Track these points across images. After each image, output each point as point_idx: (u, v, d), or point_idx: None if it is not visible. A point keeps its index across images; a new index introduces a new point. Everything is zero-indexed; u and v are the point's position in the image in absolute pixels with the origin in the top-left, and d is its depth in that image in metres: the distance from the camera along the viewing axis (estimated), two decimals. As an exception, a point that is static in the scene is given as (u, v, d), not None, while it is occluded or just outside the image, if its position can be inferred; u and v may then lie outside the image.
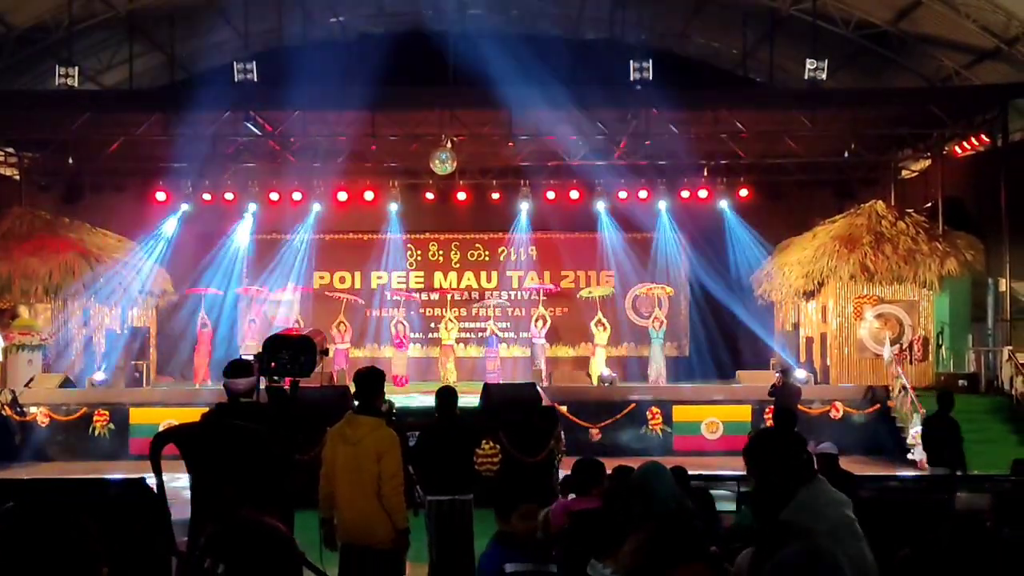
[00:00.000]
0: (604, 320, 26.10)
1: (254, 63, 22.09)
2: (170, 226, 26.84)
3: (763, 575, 3.34)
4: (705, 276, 28.42)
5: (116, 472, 14.36)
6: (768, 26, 23.89)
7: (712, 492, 7.89)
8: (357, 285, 29.36)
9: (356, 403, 7.57)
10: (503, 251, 29.59)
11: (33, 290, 22.93)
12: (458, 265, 29.66)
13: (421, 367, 28.13)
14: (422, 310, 29.26)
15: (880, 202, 24.54)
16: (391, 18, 27.46)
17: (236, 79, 21.96)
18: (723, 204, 26.65)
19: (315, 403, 13.33)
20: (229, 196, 26.69)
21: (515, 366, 27.23)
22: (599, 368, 25.07)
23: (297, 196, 26.79)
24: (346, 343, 26.30)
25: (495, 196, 27.22)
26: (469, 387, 19.47)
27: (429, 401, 12.84)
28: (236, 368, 6.50)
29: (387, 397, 9.11)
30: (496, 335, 26.78)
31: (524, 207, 27.43)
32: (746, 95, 24.77)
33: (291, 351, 6.12)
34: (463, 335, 27.99)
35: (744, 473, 5.15)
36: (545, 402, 17.69)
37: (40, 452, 20.25)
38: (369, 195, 26.68)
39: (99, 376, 22.76)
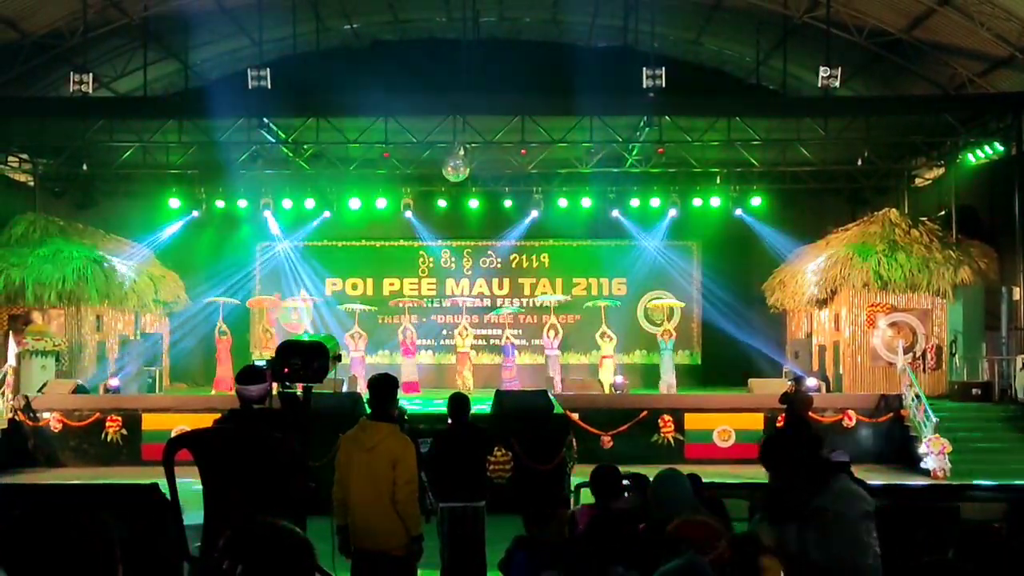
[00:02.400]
0: (609, 332, 26.08)
1: (268, 70, 22.11)
2: (172, 232, 27.02)
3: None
4: (717, 283, 28.43)
5: (128, 477, 14.39)
6: (781, 34, 23.87)
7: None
8: (370, 292, 29.39)
9: (369, 410, 7.58)
10: (515, 258, 29.60)
11: (47, 296, 22.99)
12: (470, 272, 29.68)
13: (434, 374, 28.16)
14: (434, 317, 29.30)
15: (893, 210, 24.50)
16: (404, 25, 27.48)
17: (250, 86, 21.99)
18: (739, 212, 26.59)
19: (328, 409, 13.35)
20: (242, 203, 26.79)
21: (528, 373, 27.19)
22: (607, 377, 25.08)
23: (310, 203, 26.88)
24: (361, 351, 26.28)
25: (508, 203, 27.25)
26: (483, 395, 19.45)
27: (442, 408, 12.86)
28: (249, 374, 6.48)
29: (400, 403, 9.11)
30: (512, 343, 26.75)
31: (536, 214, 27.43)
32: (759, 103, 24.76)
33: (303, 357, 6.11)
34: (477, 342, 27.98)
35: (757, 482, 5.23)
36: (557, 410, 17.67)
37: (53, 457, 20.32)
38: (382, 202, 26.72)
39: (113, 382, 22.82)
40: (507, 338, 26.79)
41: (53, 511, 2.55)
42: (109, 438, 20.41)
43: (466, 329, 27.00)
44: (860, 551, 5.04)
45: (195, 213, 26.70)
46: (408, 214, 27.33)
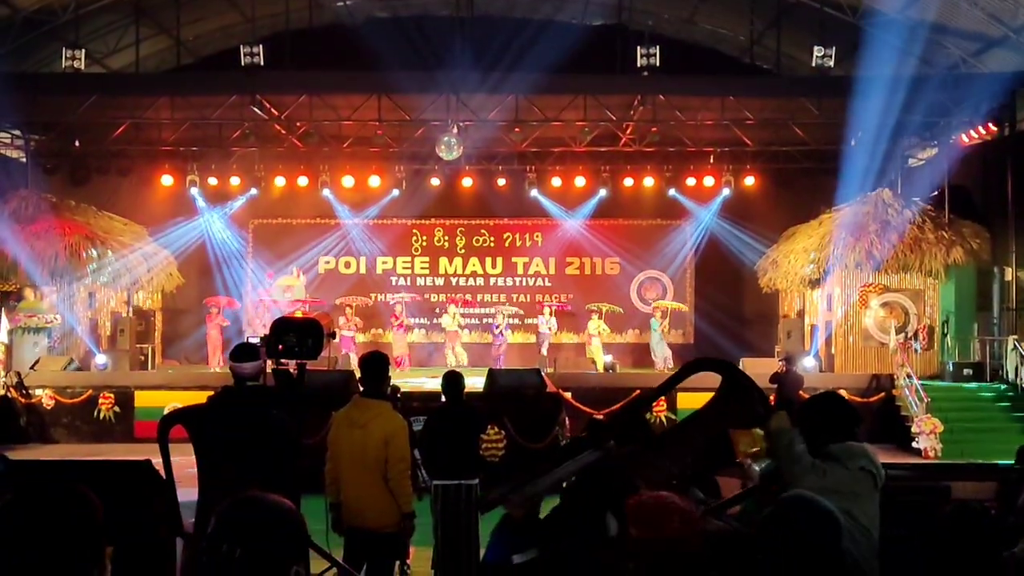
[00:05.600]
0: (599, 312, 26.27)
1: (260, 47, 22.05)
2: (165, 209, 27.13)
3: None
4: (710, 262, 28.47)
5: (121, 454, 14.40)
6: (775, 13, 23.83)
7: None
8: (362, 270, 29.41)
9: (362, 387, 7.58)
10: (508, 237, 29.59)
11: (39, 273, 22.94)
12: (463, 251, 29.65)
13: (425, 352, 28.20)
14: (426, 296, 29.30)
15: (887, 190, 24.48)
16: (398, 2, 27.40)
17: (243, 63, 21.94)
18: (732, 191, 26.61)
19: (321, 387, 13.36)
20: (235, 180, 26.74)
21: (520, 352, 27.23)
22: (597, 355, 25.13)
23: (303, 181, 26.82)
24: (353, 330, 26.27)
25: (501, 182, 27.20)
26: (475, 372, 19.46)
27: (433, 385, 12.90)
28: (242, 351, 6.48)
29: (392, 381, 9.12)
30: (505, 322, 26.75)
31: (530, 193, 27.40)
32: (753, 82, 24.72)
33: (297, 334, 6.11)
34: (469, 321, 28.01)
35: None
36: (549, 388, 17.69)
37: (45, 434, 20.36)
38: (375, 180, 26.66)
39: (100, 359, 22.83)
40: (501, 317, 26.80)
41: (33, 486, 2.56)
42: (102, 415, 20.45)
43: (453, 306, 27.12)
44: (854, 493, 5.08)
45: (191, 190, 26.62)
46: (399, 192, 27.30)
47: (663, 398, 20.45)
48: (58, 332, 23.19)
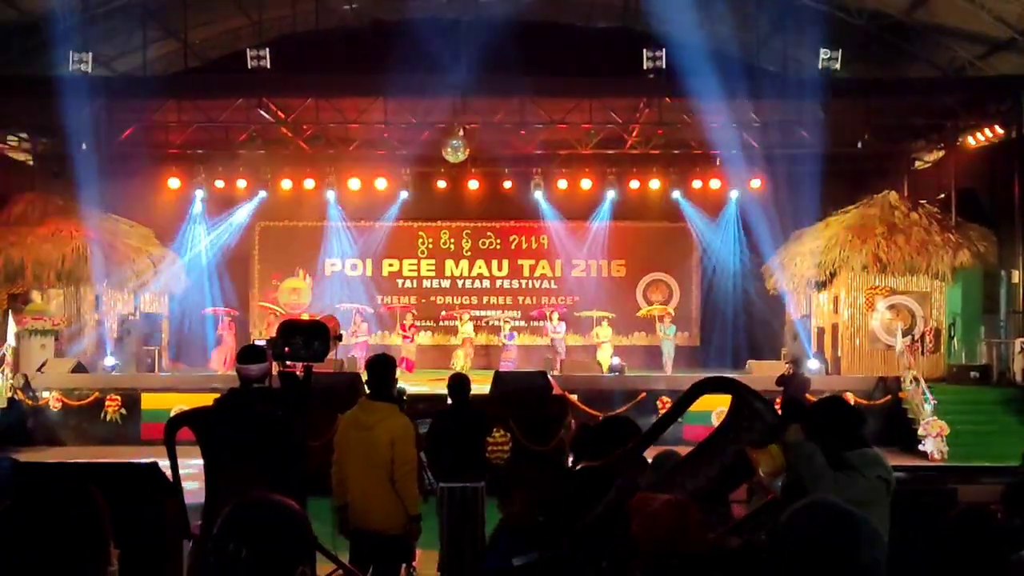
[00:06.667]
0: (606, 322, 26.35)
1: (267, 50, 22.08)
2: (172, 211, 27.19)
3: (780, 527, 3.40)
4: (717, 265, 28.45)
5: (128, 457, 14.41)
6: (781, 15, 23.82)
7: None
8: (368, 273, 29.45)
9: (368, 390, 7.58)
10: (514, 239, 29.61)
11: (45, 275, 22.98)
12: (469, 253, 29.68)
13: (432, 355, 28.18)
14: (433, 298, 29.31)
15: (893, 193, 24.47)
16: (405, 5, 27.39)
17: (249, 66, 21.97)
18: (738, 194, 26.59)
19: (327, 389, 13.35)
20: (242, 183, 26.78)
21: (526, 355, 27.22)
22: (605, 358, 25.15)
23: (309, 183, 26.84)
24: (364, 335, 26.26)
25: (507, 184, 27.21)
26: (482, 376, 19.44)
27: (439, 389, 12.92)
28: (249, 354, 6.49)
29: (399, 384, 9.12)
30: (513, 331, 26.82)
31: (536, 196, 27.40)
32: (759, 85, 24.72)
33: (304, 336, 6.12)
34: (477, 324, 28.02)
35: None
36: (556, 391, 17.68)
37: (52, 436, 20.33)
38: (381, 183, 26.69)
39: (109, 361, 22.84)
40: (510, 326, 26.87)
41: (34, 487, 2.56)
42: (108, 417, 20.43)
43: (466, 313, 27.13)
44: (868, 502, 5.01)
45: (197, 192, 26.67)
46: (406, 194, 27.32)
47: (669, 399, 20.48)
48: (65, 335, 23.21)
